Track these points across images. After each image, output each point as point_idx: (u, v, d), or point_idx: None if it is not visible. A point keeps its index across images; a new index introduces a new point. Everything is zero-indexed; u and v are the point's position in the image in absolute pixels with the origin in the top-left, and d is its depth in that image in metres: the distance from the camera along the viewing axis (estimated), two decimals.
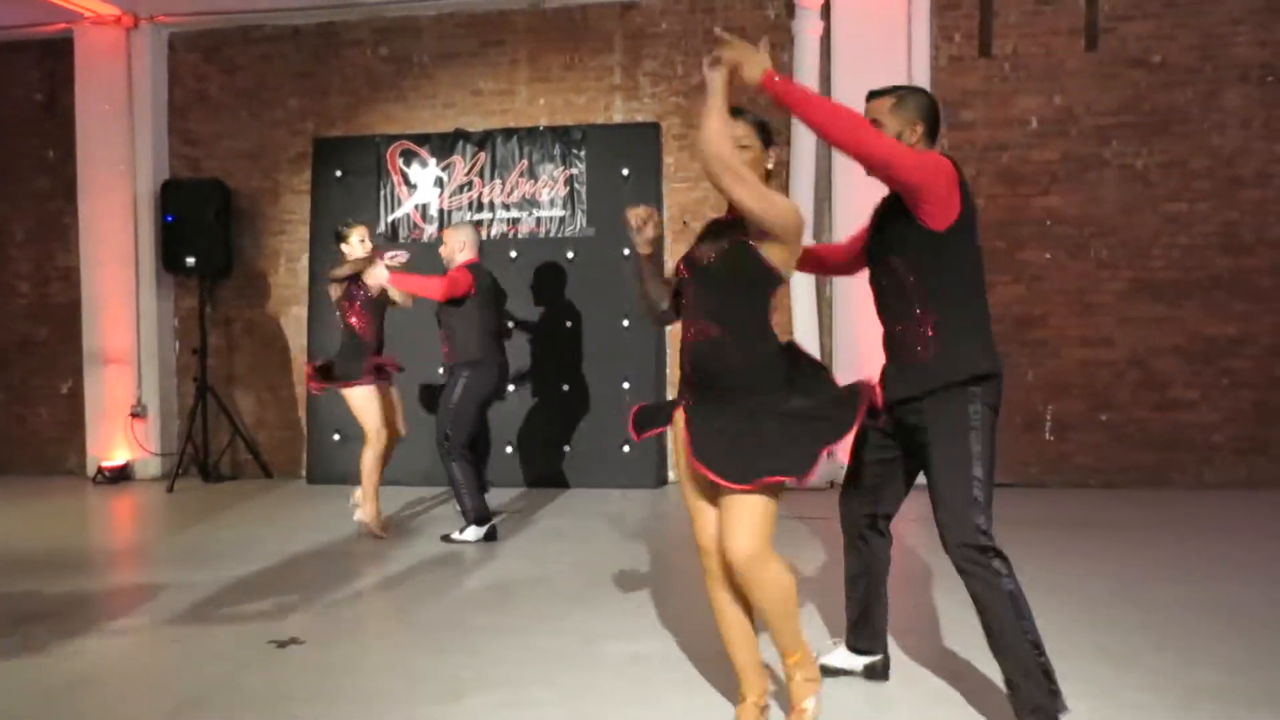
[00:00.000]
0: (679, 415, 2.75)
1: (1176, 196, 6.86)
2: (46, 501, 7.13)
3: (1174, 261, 6.87)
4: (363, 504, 5.62)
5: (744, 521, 2.59)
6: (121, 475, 7.89)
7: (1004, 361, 2.85)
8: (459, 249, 5.60)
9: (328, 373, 5.70)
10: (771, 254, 2.62)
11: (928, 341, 2.77)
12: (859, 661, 3.25)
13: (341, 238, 5.72)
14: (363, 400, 5.59)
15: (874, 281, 2.97)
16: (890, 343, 2.91)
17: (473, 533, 5.44)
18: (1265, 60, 6.76)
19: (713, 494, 2.71)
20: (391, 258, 5.60)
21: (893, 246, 2.84)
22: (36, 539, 5.80)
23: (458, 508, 5.51)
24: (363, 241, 5.68)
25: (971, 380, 2.74)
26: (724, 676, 3.36)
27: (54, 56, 8.20)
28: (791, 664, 2.76)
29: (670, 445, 7.02)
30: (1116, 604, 4.14)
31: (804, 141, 6.99)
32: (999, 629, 2.71)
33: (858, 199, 6.65)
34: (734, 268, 2.64)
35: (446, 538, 5.48)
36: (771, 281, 2.66)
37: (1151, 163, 6.88)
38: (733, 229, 2.68)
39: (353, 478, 7.17)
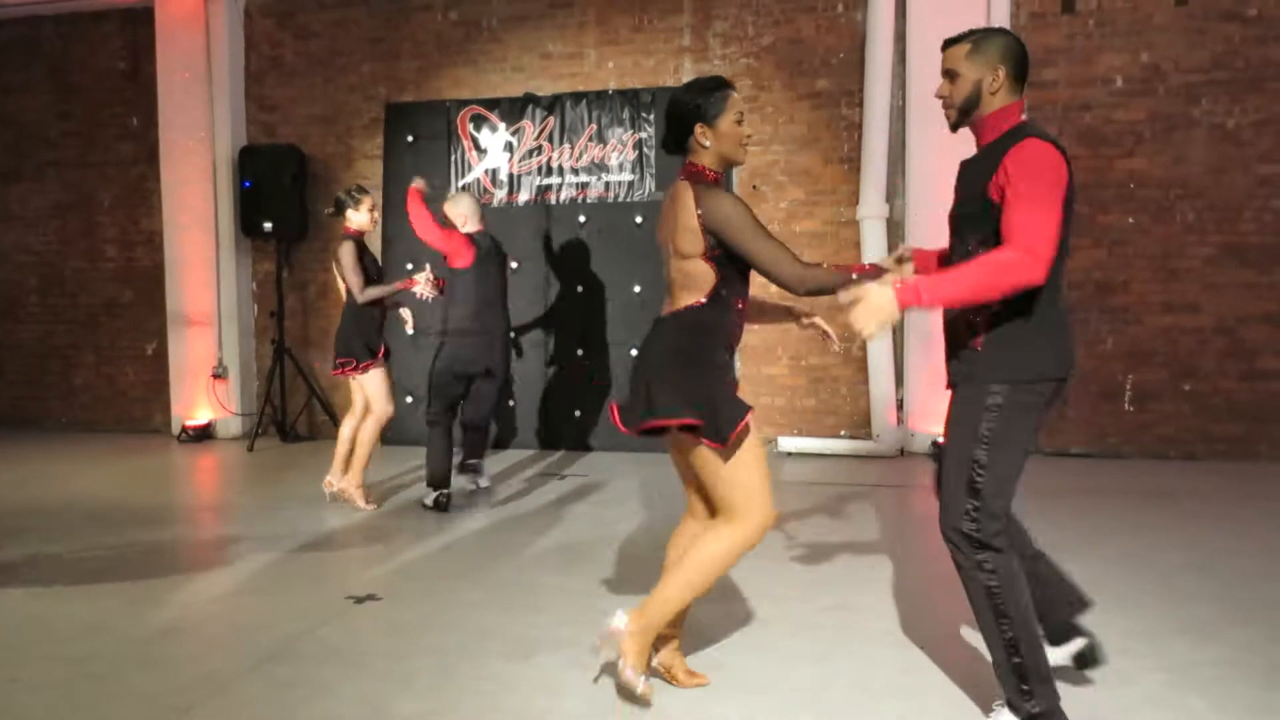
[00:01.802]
0: None
1: (1269, 157, 6.57)
2: (134, 459, 7.41)
3: (1265, 225, 6.59)
4: (350, 474, 5.48)
5: (707, 482, 2.86)
6: (204, 434, 8.15)
7: (1072, 361, 2.64)
8: (461, 224, 5.49)
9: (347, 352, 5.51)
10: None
11: (978, 327, 2.58)
12: (1063, 652, 2.92)
13: (349, 204, 5.45)
14: (380, 379, 5.52)
15: (951, 249, 2.76)
16: (946, 319, 2.72)
17: (429, 495, 5.42)
18: None
19: None
20: (427, 281, 5.46)
21: (972, 222, 2.61)
22: (125, 494, 6.03)
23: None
24: (371, 211, 5.51)
25: (1013, 381, 2.55)
26: (791, 641, 3.38)
27: (135, 25, 8.40)
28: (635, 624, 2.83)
29: None
30: (1195, 576, 4.04)
31: (876, 105, 6.85)
32: (979, 617, 2.61)
33: (933, 165, 6.52)
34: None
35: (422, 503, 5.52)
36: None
37: (1244, 121, 6.59)
38: None
39: (425, 438, 7.33)
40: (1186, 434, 6.73)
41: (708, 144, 2.79)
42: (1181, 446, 6.73)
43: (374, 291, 5.42)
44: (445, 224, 5.50)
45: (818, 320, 3.11)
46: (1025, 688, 2.55)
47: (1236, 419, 6.66)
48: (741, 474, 2.75)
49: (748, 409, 2.75)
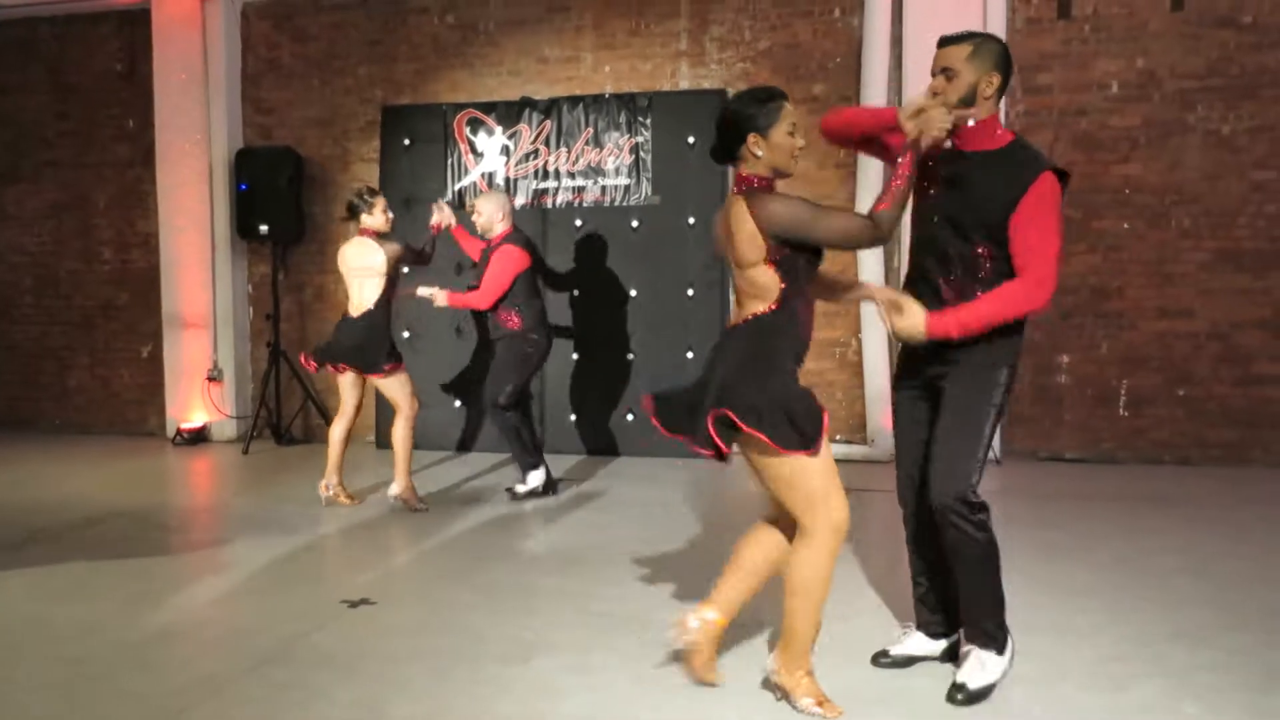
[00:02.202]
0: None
1: (1264, 163, 6.59)
2: (129, 461, 7.39)
3: (1260, 231, 6.62)
4: (400, 478, 5.50)
5: (779, 491, 2.89)
6: (199, 437, 8.13)
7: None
8: (498, 218, 5.60)
9: (361, 358, 5.50)
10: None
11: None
12: (938, 646, 3.19)
13: (362, 208, 5.44)
14: (404, 379, 5.55)
15: (939, 240, 2.89)
16: (932, 302, 2.86)
17: (527, 483, 5.78)
18: None
19: None
20: (439, 209, 5.73)
21: (986, 229, 2.81)
22: (121, 497, 6.02)
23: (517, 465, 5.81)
24: (385, 212, 5.51)
25: (1010, 364, 2.90)
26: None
27: (132, 26, 8.39)
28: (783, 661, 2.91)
29: None
30: (1189, 581, 4.05)
31: (875, 87, 6.86)
32: (970, 578, 2.88)
33: None
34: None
35: (511, 491, 5.79)
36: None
37: (1239, 128, 6.61)
38: None
39: (423, 442, 7.31)
40: (1181, 439, 6.75)
41: (760, 154, 2.78)
42: (1176, 451, 6.75)
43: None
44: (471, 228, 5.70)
45: (870, 290, 3.16)
46: (1002, 622, 2.93)
47: (1231, 424, 6.68)
48: (810, 481, 2.74)
49: (823, 411, 2.79)
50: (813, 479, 2.74)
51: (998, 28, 6.60)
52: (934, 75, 2.82)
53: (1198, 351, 6.72)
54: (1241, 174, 6.61)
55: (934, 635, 3.19)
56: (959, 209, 2.84)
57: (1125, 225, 6.79)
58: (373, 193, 5.52)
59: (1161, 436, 6.77)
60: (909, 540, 3.19)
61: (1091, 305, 6.79)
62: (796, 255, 2.74)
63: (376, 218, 5.49)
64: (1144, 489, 5.93)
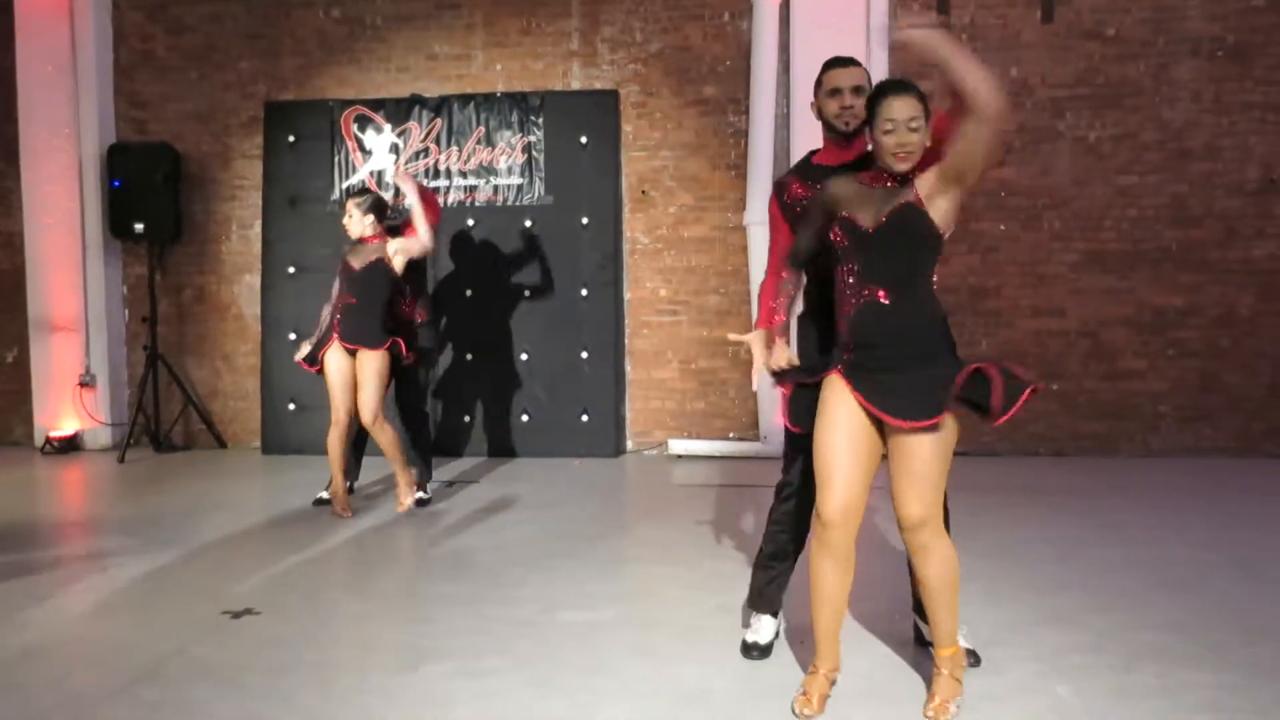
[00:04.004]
0: (834, 380, 2.75)
1: (1127, 169, 6.95)
2: None
3: (1124, 233, 6.98)
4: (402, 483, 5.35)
5: (926, 479, 2.66)
6: (71, 445, 7.74)
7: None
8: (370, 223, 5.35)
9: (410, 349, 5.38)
10: (936, 214, 2.69)
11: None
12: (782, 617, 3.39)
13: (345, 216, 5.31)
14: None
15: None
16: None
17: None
18: (1216, 34, 6.85)
19: (868, 461, 2.72)
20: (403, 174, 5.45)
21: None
22: None
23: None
24: (350, 215, 5.29)
25: None
26: (679, 644, 3.40)
27: None
28: (946, 656, 2.80)
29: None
30: (1061, 567, 4.24)
31: (762, 113, 6.98)
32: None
33: None
34: (902, 230, 2.70)
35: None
36: (938, 244, 2.74)
37: (1104, 135, 6.96)
38: (893, 193, 2.73)
39: (309, 448, 7.14)
40: (1055, 432, 7.06)
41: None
42: (1051, 444, 7.06)
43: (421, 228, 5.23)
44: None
45: None
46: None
47: (1100, 417, 7.02)
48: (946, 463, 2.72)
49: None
50: (947, 460, 2.71)
51: (879, 35, 6.78)
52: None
53: (1069, 348, 7.05)
54: (1106, 179, 6.96)
55: None
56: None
57: (1001, 227, 7.07)
58: (347, 195, 5.43)
59: (1037, 430, 7.07)
60: None
61: (971, 304, 7.04)
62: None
63: (348, 220, 5.27)
64: (1020, 480, 6.18)
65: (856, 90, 3.08)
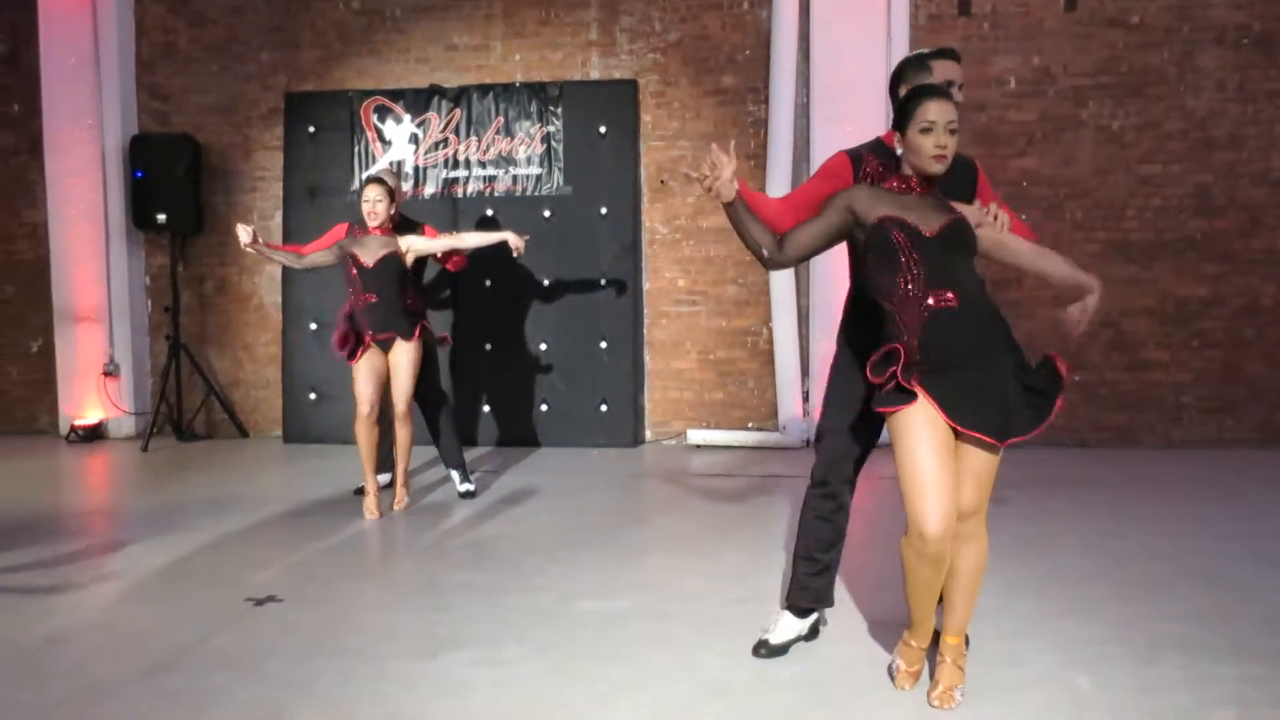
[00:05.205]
0: (932, 411, 2.70)
1: (1150, 158, 6.88)
2: (19, 460, 7.07)
3: (1147, 223, 6.90)
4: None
5: (983, 476, 2.77)
6: (95, 434, 7.82)
7: None
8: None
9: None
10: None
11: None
12: (807, 623, 3.29)
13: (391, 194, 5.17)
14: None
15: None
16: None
17: None
18: (1241, 22, 6.75)
19: (953, 464, 2.73)
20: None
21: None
22: (9, 498, 5.75)
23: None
24: (363, 203, 5.13)
25: None
26: (698, 634, 3.41)
27: (16, 8, 7.97)
28: (951, 645, 2.82)
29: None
30: (1082, 559, 4.21)
31: (781, 102, 6.94)
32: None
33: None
34: (958, 239, 2.76)
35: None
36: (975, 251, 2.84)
37: (1127, 124, 6.88)
38: (939, 205, 2.79)
39: (329, 437, 7.20)
40: (1077, 423, 7.00)
41: (899, 150, 2.79)
42: (1073, 435, 7.00)
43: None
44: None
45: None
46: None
47: (1122, 408, 6.96)
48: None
49: None
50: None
51: (901, 23, 6.74)
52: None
53: (1091, 339, 6.98)
54: (1129, 168, 6.89)
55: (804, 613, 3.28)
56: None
57: (1023, 216, 6.98)
58: (364, 182, 5.21)
59: (1059, 421, 6.94)
60: None
61: (992, 295, 6.97)
62: None
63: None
64: (1044, 472, 6.13)
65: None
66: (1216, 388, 6.88)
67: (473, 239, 5.42)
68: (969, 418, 2.69)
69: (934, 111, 2.68)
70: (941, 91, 2.76)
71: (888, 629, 3.41)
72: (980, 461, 2.75)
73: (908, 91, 2.83)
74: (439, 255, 5.41)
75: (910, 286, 2.71)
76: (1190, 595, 3.70)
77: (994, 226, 2.86)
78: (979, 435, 2.70)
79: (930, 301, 2.70)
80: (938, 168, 2.71)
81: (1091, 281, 2.92)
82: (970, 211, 2.84)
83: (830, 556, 3.24)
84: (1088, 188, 6.93)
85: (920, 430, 2.69)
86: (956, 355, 2.70)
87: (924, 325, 2.70)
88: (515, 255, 5.24)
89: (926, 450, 2.69)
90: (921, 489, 2.68)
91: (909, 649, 2.91)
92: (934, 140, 2.68)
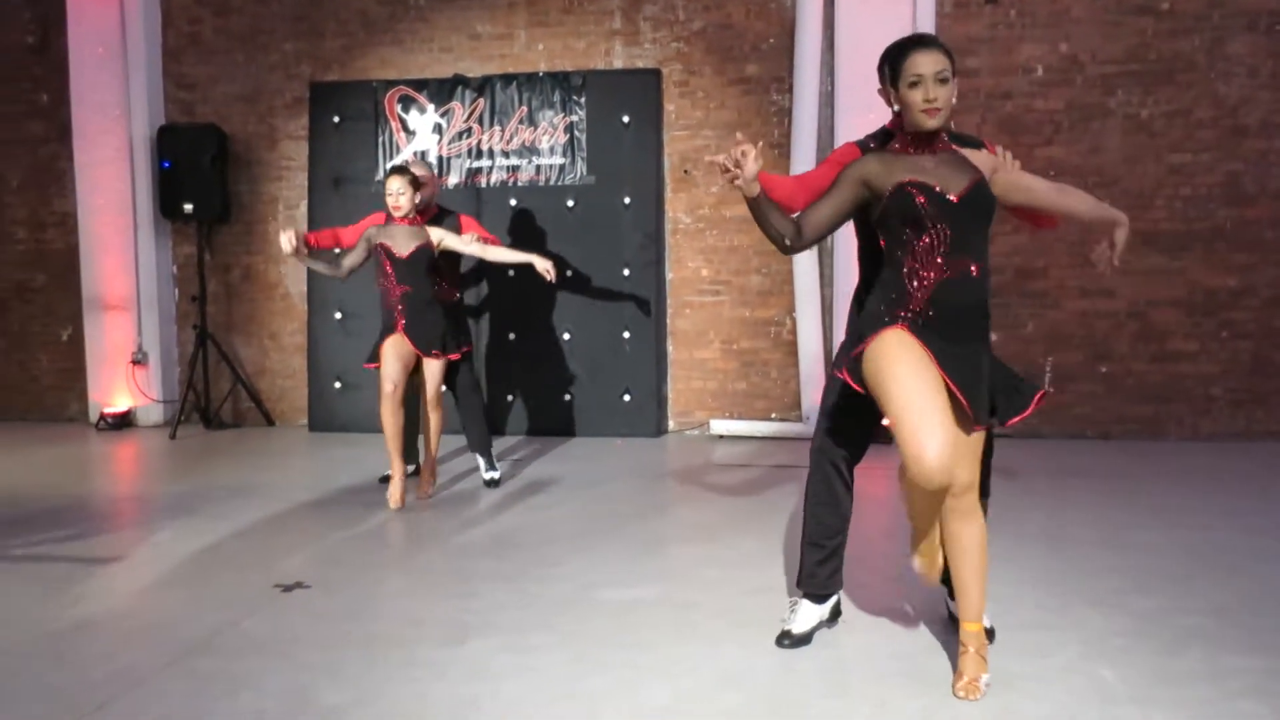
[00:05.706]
0: (899, 334, 2.64)
1: (1179, 147, 6.80)
2: (50, 448, 7.17)
3: (1176, 212, 6.83)
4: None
5: (975, 450, 2.77)
6: (124, 422, 7.92)
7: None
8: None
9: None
10: (995, 189, 2.75)
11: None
12: (826, 607, 3.32)
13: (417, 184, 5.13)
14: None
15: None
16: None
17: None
18: (1273, 8, 6.65)
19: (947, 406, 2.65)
20: None
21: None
22: (41, 484, 5.84)
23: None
24: (388, 196, 5.09)
25: None
26: (719, 623, 3.42)
27: None
28: (972, 633, 2.80)
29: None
30: (1106, 551, 4.19)
31: (806, 91, 6.91)
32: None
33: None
34: (981, 204, 2.69)
35: None
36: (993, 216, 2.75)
37: (1155, 112, 6.81)
38: (965, 164, 2.72)
39: (355, 425, 7.26)
40: (1102, 414, 6.96)
41: (895, 107, 2.75)
42: (1098, 426, 6.96)
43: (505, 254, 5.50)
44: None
45: None
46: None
47: (1147, 399, 6.91)
48: None
49: None
50: None
51: (927, 12, 6.68)
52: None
53: (1117, 330, 6.93)
54: (1158, 157, 6.81)
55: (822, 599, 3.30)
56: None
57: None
58: (387, 173, 5.16)
59: (1084, 412, 6.98)
60: None
61: (1017, 285, 6.95)
62: None
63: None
64: (1067, 463, 6.11)
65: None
66: (1246, 379, 6.81)
67: (501, 254, 5.40)
68: (956, 377, 2.64)
69: (921, 63, 2.62)
70: (928, 41, 2.68)
71: (910, 617, 3.41)
72: (975, 436, 2.75)
73: (894, 46, 2.75)
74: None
75: (936, 245, 2.65)
76: (1214, 588, 3.68)
77: (1008, 167, 2.81)
78: (961, 399, 2.63)
79: (950, 268, 2.65)
80: (931, 122, 2.64)
81: (1119, 214, 2.83)
82: (982, 158, 2.76)
83: (835, 542, 3.25)
84: (1115, 176, 6.86)
85: (901, 351, 2.61)
86: (957, 325, 2.68)
87: (939, 285, 2.65)
88: (547, 278, 5.21)
89: (907, 371, 2.58)
90: (914, 417, 2.53)
91: (920, 553, 2.91)
92: (922, 94, 2.62)
